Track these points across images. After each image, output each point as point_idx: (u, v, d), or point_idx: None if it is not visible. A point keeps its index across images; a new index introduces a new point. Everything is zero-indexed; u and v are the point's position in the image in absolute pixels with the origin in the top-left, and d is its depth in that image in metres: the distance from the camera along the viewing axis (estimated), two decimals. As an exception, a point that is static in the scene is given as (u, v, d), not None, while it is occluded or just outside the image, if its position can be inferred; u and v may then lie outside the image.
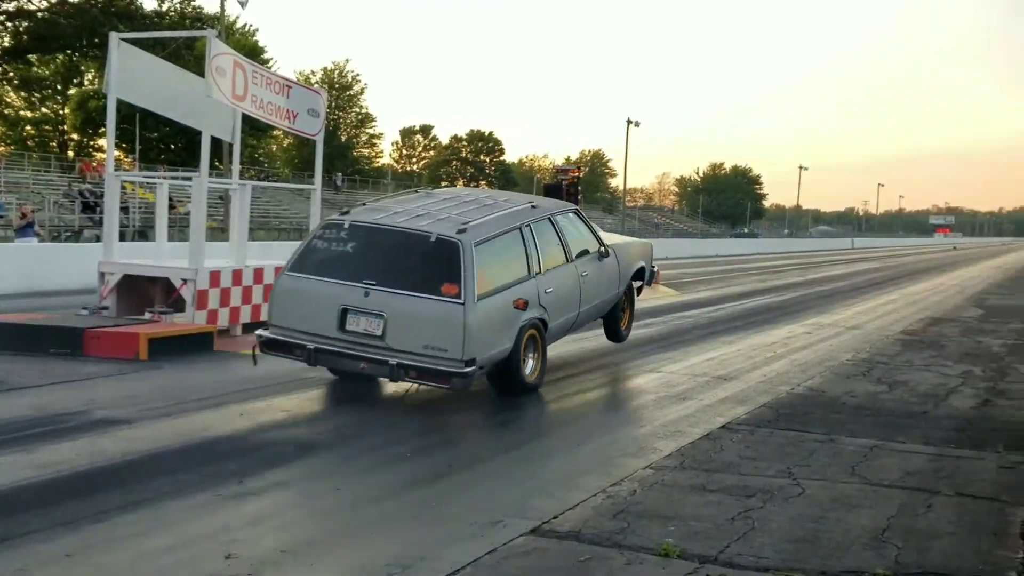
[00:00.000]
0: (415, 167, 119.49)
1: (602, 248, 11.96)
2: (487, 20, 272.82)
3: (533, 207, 11.03)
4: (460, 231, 9.40)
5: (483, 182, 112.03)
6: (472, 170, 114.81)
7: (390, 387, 10.63)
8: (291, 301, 9.58)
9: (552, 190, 27.10)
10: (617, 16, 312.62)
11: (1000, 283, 35.76)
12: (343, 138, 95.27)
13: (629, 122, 74.62)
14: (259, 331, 10.00)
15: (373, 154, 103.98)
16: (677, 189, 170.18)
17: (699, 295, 25.16)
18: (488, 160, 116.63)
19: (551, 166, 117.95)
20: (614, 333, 13.31)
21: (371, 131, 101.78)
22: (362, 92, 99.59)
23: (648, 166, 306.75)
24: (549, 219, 10.99)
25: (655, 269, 15.14)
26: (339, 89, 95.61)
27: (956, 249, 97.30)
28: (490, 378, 9.96)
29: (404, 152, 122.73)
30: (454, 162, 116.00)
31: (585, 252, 11.51)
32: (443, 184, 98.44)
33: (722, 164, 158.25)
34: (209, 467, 7.29)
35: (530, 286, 10.01)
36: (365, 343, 9.17)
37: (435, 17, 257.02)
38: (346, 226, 9.78)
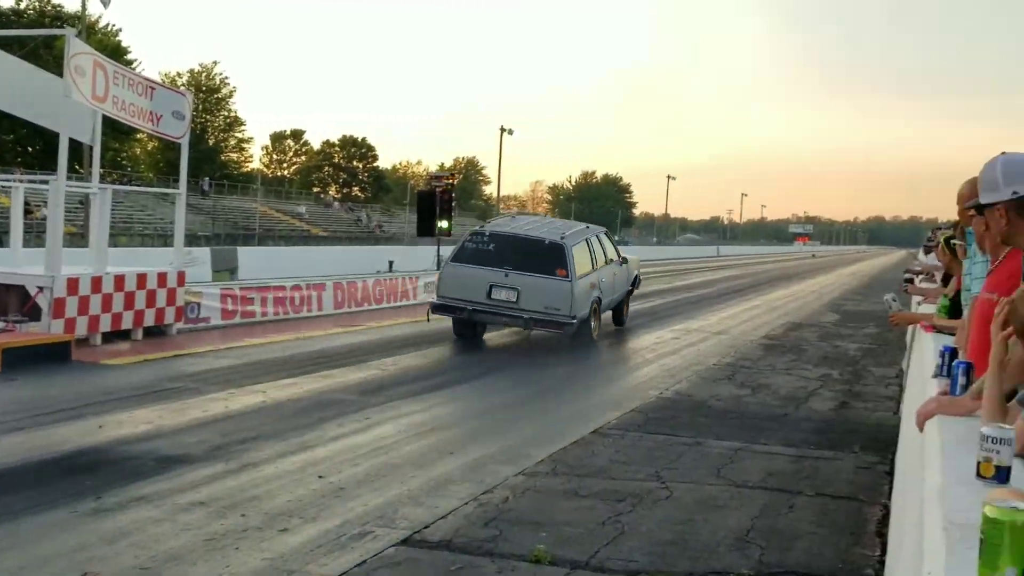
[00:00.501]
0: (286, 172, 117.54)
1: (623, 258, 17.67)
2: (361, 25, 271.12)
3: (587, 227, 16.63)
4: (563, 237, 15.32)
5: (355, 188, 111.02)
6: (345, 176, 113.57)
7: (266, 396, 10.42)
8: (453, 280, 15.07)
9: (425, 197, 26.98)
10: (490, 22, 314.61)
11: (855, 289, 37.09)
12: (211, 142, 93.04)
13: (503, 130, 75.01)
14: (431, 300, 15.96)
15: (242, 159, 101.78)
16: (550, 197, 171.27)
17: None
18: (361, 166, 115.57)
19: (425, 172, 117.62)
20: (619, 319, 18.14)
21: (240, 135, 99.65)
22: (231, 95, 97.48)
23: (522, 174, 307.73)
24: (596, 235, 16.55)
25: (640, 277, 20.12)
26: (206, 92, 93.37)
27: (815, 257, 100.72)
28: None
29: (274, 157, 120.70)
30: (326, 168, 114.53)
31: (612, 260, 16.97)
32: (315, 189, 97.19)
33: (594, 173, 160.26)
34: (65, 482, 6.99)
35: (594, 276, 15.57)
36: (505, 306, 14.75)
37: (307, 20, 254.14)
38: (487, 234, 15.59)
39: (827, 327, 19.91)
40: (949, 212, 6.38)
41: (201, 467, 7.67)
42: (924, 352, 6.32)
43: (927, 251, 14.48)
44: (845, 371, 13.96)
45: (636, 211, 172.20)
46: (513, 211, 30.84)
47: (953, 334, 5.79)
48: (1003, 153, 3.46)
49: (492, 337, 16.59)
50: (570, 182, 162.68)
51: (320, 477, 7.46)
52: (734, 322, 20.51)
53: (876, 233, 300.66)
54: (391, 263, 29.23)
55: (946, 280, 8.14)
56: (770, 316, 22.31)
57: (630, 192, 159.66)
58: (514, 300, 14.74)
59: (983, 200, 3.38)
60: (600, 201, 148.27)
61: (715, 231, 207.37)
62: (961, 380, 3.59)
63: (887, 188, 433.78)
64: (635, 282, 18.83)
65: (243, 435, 8.78)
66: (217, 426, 9.15)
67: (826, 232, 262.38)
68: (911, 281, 12.51)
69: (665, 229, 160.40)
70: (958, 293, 6.53)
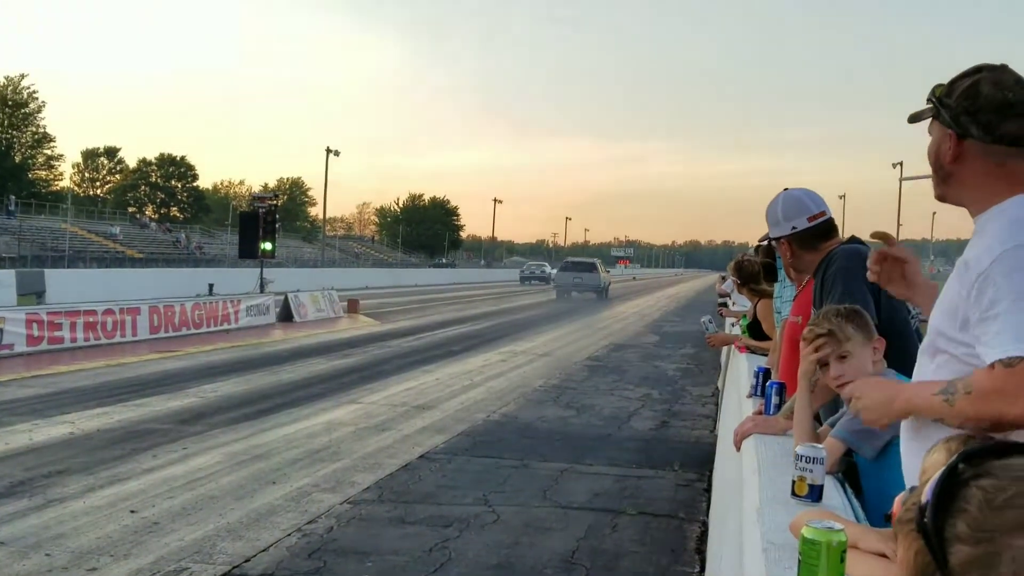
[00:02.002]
0: (99, 191, 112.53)
1: (606, 271, 51.03)
2: (179, 42, 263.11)
3: (598, 262, 51.94)
4: (595, 261, 51.92)
5: (174, 208, 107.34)
6: (163, 196, 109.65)
7: (74, 427, 9.85)
8: (560, 278, 49.06)
9: (248, 218, 26.32)
10: (306, 42, 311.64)
11: (673, 311, 38.30)
12: (17, 159, 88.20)
13: (329, 151, 74.22)
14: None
15: (51, 176, 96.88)
16: (377, 219, 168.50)
17: (399, 324, 25.27)
18: (180, 185, 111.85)
19: (248, 193, 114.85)
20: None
21: (49, 152, 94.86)
22: (39, 110, 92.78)
23: (349, 196, 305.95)
24: (600, 262, 52.64)
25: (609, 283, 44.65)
26: (12, 106, 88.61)
27: (636, 279, 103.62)
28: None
29: (87, 175, 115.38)
30: (142, 187, 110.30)
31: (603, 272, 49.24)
32: (131, 209, 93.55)
33: (422, 195, 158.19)
34: None
35: (607, 277, 50.16)
36: (581, 285, 47.35)
37: (123, 35, 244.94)
38: (571, 261, 52.01)
39: (648, 348, 20.38)
40: (757, 236, 6.77)
41: (1, 504, 7.17)
42: (739, 372, 6.53)
43: (723, 280, 15.75)
44: (665, 391, 14.36)
45: (464, 234, 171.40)
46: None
47: (765, 354, 6.04)
48: (785, 189, 3.73)
49: (317, 363, 16.29)
50: (397, 204, 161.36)
51: (132, 512, 7.09)
52: (559, 344, 20.73)
53: (692, 257, 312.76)
54: (211, 286, 28.31)
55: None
56: (594, 337, 22.71)
57: (458, 215, 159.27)
58: (582, 282, 47.25)
59: (771, 235, 3.71)
60: (427, 223, 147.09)
61: (541, 254, 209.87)
62: (775, 400, 3.68)
63: (703, 213, 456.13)
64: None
65: (48, 469, 8.28)
66: (20, 460, 8.60)
67: (645, 255, 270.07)
68: (725, 304, 12.98)
69: (492, 251, 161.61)
70: (756, 315, 6.99)
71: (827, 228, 3.71)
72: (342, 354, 16.76)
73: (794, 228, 3.66)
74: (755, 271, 6.98)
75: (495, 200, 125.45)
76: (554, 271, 72.62)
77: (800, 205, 3.69)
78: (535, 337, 22.36)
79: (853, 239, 3.65)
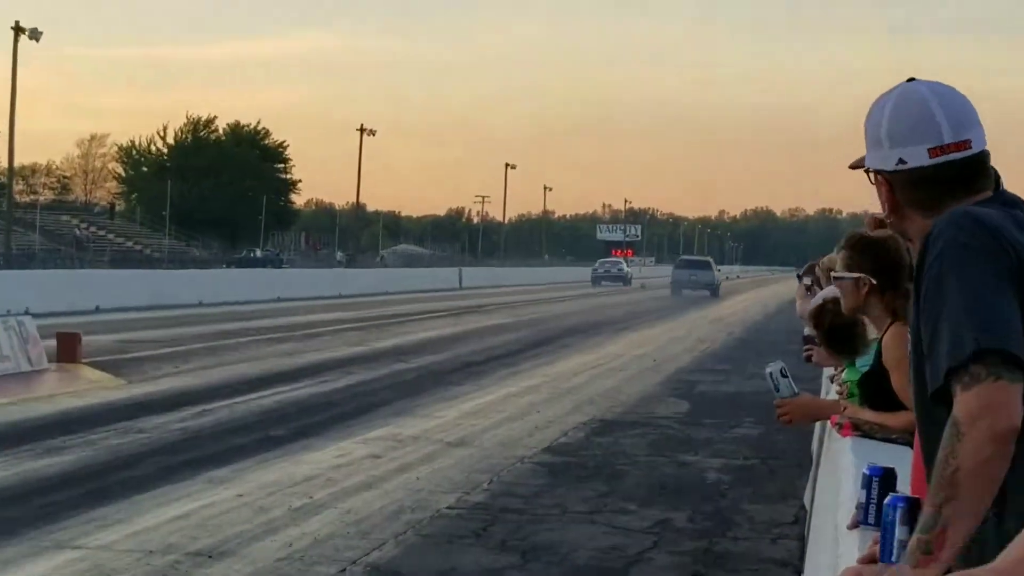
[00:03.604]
0: None
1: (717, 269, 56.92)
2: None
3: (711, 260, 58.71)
4: (709, 260, 57.87)
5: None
6: None
7: None
8: (675, 275, 51.30)
9: None
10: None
11: (720, 351, 21.91)
12: None
13: (17, 31, 48.93)
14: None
15: None
16: (123, 171, 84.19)
17: (161, 385, 14.09)
18: None
19: None
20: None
21: None
22: None
23: (66, 121, 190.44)
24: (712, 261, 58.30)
25: None
26: None
27: (644, 287, 60.86)
28: None
29: None
30: None
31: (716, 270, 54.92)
32: None
33: (212, 121, 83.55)
34: None
35: (719, 276, 56.63)
36: (695, 281, 49.89)
37: None
38: (683, 258, 61.00)
39: (666, 426, 11.90)
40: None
41: None
42: (840, 475, 3.37)
43: (808, 288, 8.07)
44: (699, 514, 7.72)
45: (300, 199, 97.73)
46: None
47: (895, 439, 3.36)
48: (909, 80, 1.92)
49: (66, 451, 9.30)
50: (163, 139, 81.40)
51: None
52: (488, 420, 12.03)
53: (758, 240, 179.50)
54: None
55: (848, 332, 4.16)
56: (558, 406, 13.14)
57: (287, 162, 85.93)
58: (698, 279, 49.43)
59: (868, 161, 1.96)
60: (227, 177, 78.60)
61: (452, 238, 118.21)
62: (899, 531, 1.81)
63: (783, 157, 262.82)
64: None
65: None
66: None
67: (667, 237, 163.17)
68: (813, 340, 6.64)
69: (358, 233, 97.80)
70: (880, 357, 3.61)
71: (970, 173, 1.85)
72: (40, 448, 9.62)
73: (902, 163, 1.87)
74: (894, 256, 3.49)
75: (361, 131, 66.60)
76: (635, 268, 70.52)
77: (923, 120, 1.84)
78: (441, 407, 12.81)
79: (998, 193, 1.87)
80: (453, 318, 29.01)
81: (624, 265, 67.33)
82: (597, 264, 67.93)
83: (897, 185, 1.90)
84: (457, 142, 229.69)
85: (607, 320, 29.92)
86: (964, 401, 1.56)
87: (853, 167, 2.05)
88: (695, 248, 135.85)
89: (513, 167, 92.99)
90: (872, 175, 1.96)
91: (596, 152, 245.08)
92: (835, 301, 4.04)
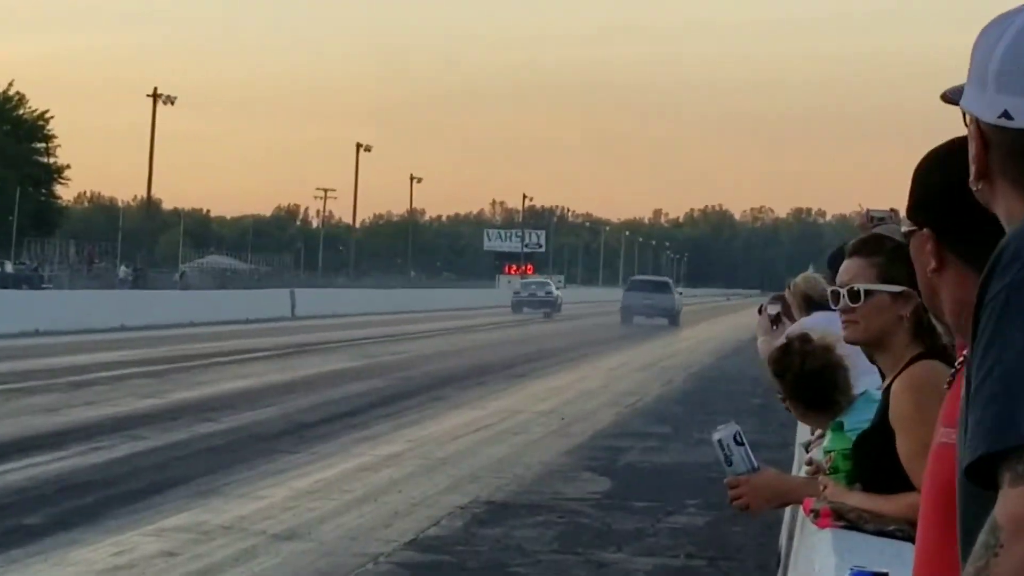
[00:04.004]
0: None
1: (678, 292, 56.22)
2: None
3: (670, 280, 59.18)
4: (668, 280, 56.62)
5: None
6: None
7: None
8: (626, 298, 47.53)
9: None
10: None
11: (663, 395, 19.21)
12: None
13: None
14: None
15: None
16: None
17: None
18: None
19: None
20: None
21: None
22: None
23: None
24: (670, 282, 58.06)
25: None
26: None
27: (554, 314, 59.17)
28: None
29: None
30: None
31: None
32: None
33: None
34: None
35: (680, 300, 53.06)
36: (650, 306, 46.03)
37: None
38: (637, 279, 57.19)
39: (578, 511, 9.35)
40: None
41: None
42: None
43: (772, 320, 5.69)
44: None
45: (70, 191, 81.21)
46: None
47: (892, 531, 2.83)
48: None
49: None
50: None
51: None
52: (329, 502, 9.30)
53: (707, 255, 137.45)
54: None
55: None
56: (427, 483, 10.23)
57: (50, 141, 69.40)
58: (651, 303, 45.82)
59: (964, 100, 1.53)
60: None
61: (283, 245, 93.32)
62: None
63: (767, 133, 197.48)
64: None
65: None
66: None
67: (591, 248, 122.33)
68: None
69: (152, 239, 72.41)
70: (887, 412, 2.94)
71: None
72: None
73: (1006, 117, 1.42)
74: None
75: (155, 97, 53.13)
76: (559, 291, 57.98)
77: None
78: (270, 483, 9.95)
79: None
80: (281, 360, 23.27)
81: (553, 287, 59.19)
82: (519, 286, 60.80)
83: (994, 144, 1.48)
84: (290, 117, 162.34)
85: (498, 363, 23.97)
86: (1011, 500, 1.22)
87: (945, 99, 1.58)
88: (621, 262, 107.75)
89: (367, 149, 71.71)
90: (967, 119, 1.54)
91: (482, 130, 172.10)
92: (804, 339, 3.56)
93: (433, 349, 28.12)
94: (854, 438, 3.11)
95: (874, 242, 3.06)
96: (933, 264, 1.58)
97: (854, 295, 2.97)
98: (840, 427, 3.30)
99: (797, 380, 3.50)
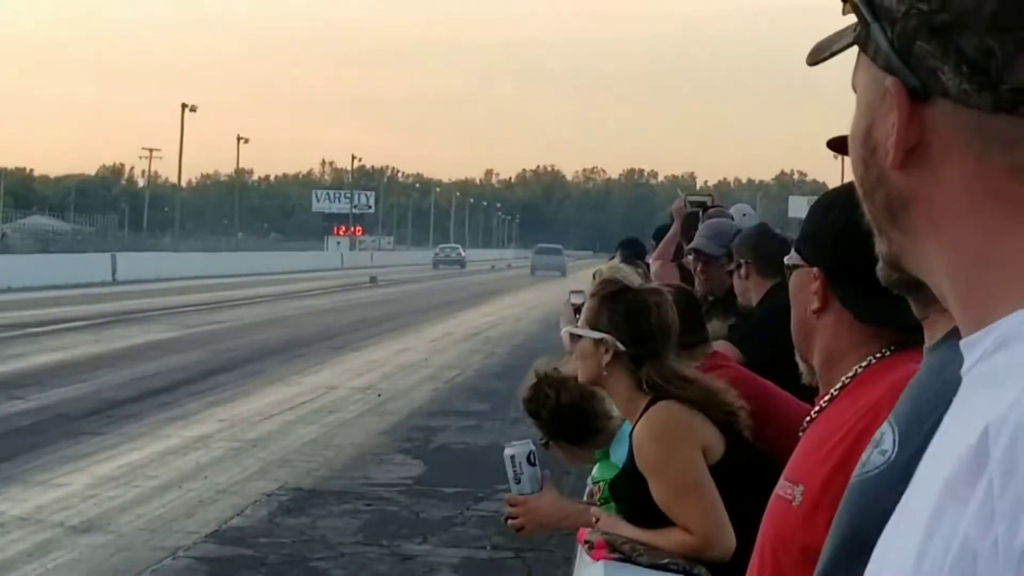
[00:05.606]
0: None
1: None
2: None
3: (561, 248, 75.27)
4: (559, 247, 75.02)
5: None
6: None
7: None
8: (535, 259, 64.64)
9: None
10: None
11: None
12: None
13: None
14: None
15: None
16: None
17: None
18: None
19: None
20: None
21: None
22: None
23: None
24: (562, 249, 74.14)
25: None
26: None
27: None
28: None
29: None
30: None
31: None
32: None
33: None
34: None
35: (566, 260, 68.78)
36: (548, 263, 62.46)
37: None
38: (541, 247, 70.37)
39: (388, 498, 8.84)
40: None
41: None
42: None
43: (578, 304, 5.40)
44: None
45: None
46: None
47: (668, 566, 2.67)
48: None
49: None
50: None
51: None
52: (132, 490, 8.63)
53: (539, 208, 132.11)
54: None
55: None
56: (235, 468, 9.73)
57: None
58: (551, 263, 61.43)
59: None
60: None
61: (107, 206, 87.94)
62: None
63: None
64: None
65: None
66: None
67: (399, 207, 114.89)
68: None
69: None
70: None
71: None
72: None
73: None
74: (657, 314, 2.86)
75: None
76: (366, 253, 76.31)
77: None
78: (71, 468, 9.17)
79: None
80: (95, 331, 21.21)
81: (461, 250, 78.10)
82: (438, 249, 79.14)
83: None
84: (114, 72, 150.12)
85: (319, 333, 22.24)
86: None
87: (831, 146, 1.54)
88: (452, 223, 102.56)
89: (192, 109, 70.22)
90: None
91: (308, 87, 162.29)
92: (553, 372, 3.20)
93: (255, 318, 26.07)
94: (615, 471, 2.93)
95: (601, 282, 2.88)
96: (816, 304, 1.52)
97: (571, 337, 2.93)
98: (607, 455, 3.10)
99: (554, 416, 3.13)
